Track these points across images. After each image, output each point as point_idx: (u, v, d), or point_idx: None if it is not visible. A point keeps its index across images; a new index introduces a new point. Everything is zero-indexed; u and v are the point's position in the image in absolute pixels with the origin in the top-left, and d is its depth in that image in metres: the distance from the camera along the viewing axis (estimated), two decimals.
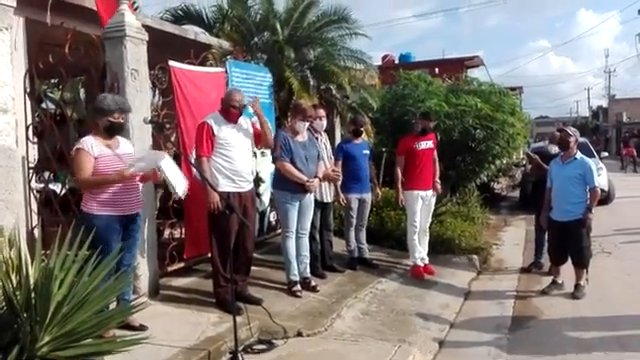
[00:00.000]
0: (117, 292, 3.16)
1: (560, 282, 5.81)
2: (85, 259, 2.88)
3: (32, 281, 2.67)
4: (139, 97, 4.65)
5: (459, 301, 5.63)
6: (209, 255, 4.91)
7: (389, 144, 9.15)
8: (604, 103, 53.72)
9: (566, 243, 5.68)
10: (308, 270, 5.48)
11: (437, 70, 14.43)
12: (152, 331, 3.69)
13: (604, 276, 6.20)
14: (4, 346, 2.50)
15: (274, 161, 5.32)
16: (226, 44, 7.18)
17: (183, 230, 5.50)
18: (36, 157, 5.23)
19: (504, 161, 11.37)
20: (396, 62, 18.18)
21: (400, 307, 5.23)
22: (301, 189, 5.18)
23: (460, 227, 7.81)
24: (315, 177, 5.29)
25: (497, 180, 13.64)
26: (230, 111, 4.67)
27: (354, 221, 6.34)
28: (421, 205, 6.28)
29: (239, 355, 3.71)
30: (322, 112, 5.98)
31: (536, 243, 6.85)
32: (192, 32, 7.16)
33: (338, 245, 6.47)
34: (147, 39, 4.77)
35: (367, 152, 6.46)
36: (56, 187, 5.29)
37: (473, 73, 17.93)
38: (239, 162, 4.69)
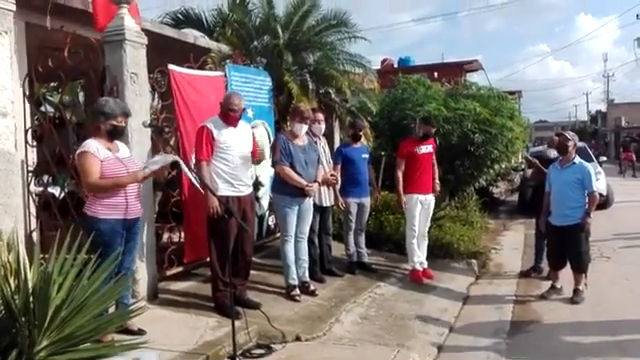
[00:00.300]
0: (116, 296, 3.15)
1: (559, 287, 5.81)
2: (84, 263, 2.88)
3: (30, 285, 2.66)
4: (138, 101, 4.65)
5: (458, 306, 5.62)
6: (208, 259, 4.91)
7: (388, 148, 9.17)
8: (603, 107, 53.91)
9: (565, 248, 5.68)
10: (307, 274, 5.47)
11: (436, 74, 14.45)
12: (151, 335, 3.68)
13: (603, 281, 6.20)
14: (2, 350, 2.50)
15: (274, 165, 5.32)
16: (225, 48, 7.19)
17: (182, 234, 5.50)
18: (35, 160, 5.22)
19: (503, 165, 11.37)
20: (395, 66, 18.20)
21: (399, 311, 5.22)
22: (300, 193, 5.18)
23: (459, 231, 7.82)
24: (315, 182, 5.29)
25: (496, 184, 13.65)
26: (229, 115, 4.67)
27: (353, 225, 6.34)
28: (420, 209, 6.29)
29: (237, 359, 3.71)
30: (321, 116, 5.99)
31: (536, 248, 6.85)
32: (191, 36, 7.17)
33: (337, 249, 6.47)
34: (146, 43, 4.77)
35: (366, 156, 6.47)
36: (55, 191, 5.28)
37: (472, 77, 17.96)
38: (238, 166, 4.69)
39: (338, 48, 8.24)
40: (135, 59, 4.63)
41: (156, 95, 5.48)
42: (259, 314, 4.51)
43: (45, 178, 5.58)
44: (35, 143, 5.14)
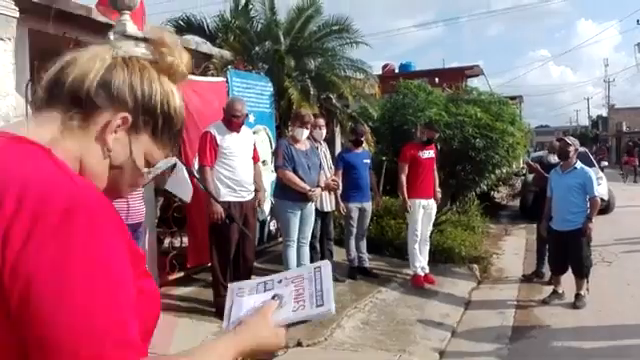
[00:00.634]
0: None
1: (561, 292, 5.80)
2: None
3: None
4: None
5: (459, 311, 5.62)
6: (209, 264, 4.91)
7: (389, 153, 9.18)
8: (604, 112, 53.95)
9: (566, 253, 5.68)
10: None
11: (437, 79, 14.47)
12: (152, 340, 3.68)
13: (604, 286, 6.19)
14: None
15: (276, 170, 5.33)
16: (227, 54, 7.22)
17: (183, 239, 5.51)
18: None
19: (504, 170, 11.38)
20: (396, 71, 18.23)
21: (400, 317, 5.22)
22: (302, 198, 5.19)
23: (460, 236, 7.81)
24: (317, 186, 5.31)
25: (497, 189, 13.65)
26: (232, 120, 4.69)
27: (354, 230, 6.34)
28: (422, 214, 6.29)
29: None
30: (322, 121, 6.01)
31: (537, 252, 6.85)
32: (193, 42, 7.19)
33: (338, 254, 6.47)
34: None
35: (367, 161, 6.48)
36: None
37: (473, 82, 17.96)
38: (241, 171, 4.71)
39: (339, 54, 8.27)
40: None
41: None
42: None
43: None
44: None
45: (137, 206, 3.90)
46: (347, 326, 4.83)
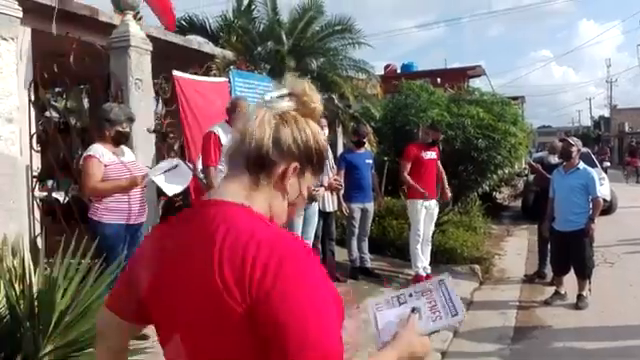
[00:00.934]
0: None
1: (563, 292, 5.79)
2: (88, 268, 2.89)
3: (35, 290, 2.67)
4: (143, 106, 4.68)
5: None
6: None
7: (391, 153, 9.16)
8: (606, 113, 53.83)
9: (569, 253, 5.66)
10: None
11: (439, 80, 14.45)
12: (154, 340, 3.68)
13: (607, 286, 6.17)
14: (7, 355, 2.51)
15: None
16: (229, 54, 7.23)
17: None
18: (39, 165, 5.25)
19: (506, 171, 11.36)
20: (398, 72, 18.23)
21: None
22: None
23: (462, 237, 7.80)
24: (321, 186, 5.30)
25: (499, 190, 13.62)
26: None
27: (356, 230, 6.33)
28: (425, 214, 6.29)
29: None
30: (323, 122, 6.00)
31: (539, 253, 6.84)
32: (195, 42, 7.21)
33: (340, 254, 6.47)
34: (151, 49, 4.80)
35: (370, 161, 6.47)
36: (59, 195, 5.30)
37: (475, 83, 17.98)
38: None
39: (342, 54, 8.28)
40: (140, 65, 4.66)
41: (160, 100, 5.51)
42: None
43: (49, 183, 5.61)
44: (39, 148, 5.16)
45: (138, 207, 3.90)
46: (349, 326, 4.81)
